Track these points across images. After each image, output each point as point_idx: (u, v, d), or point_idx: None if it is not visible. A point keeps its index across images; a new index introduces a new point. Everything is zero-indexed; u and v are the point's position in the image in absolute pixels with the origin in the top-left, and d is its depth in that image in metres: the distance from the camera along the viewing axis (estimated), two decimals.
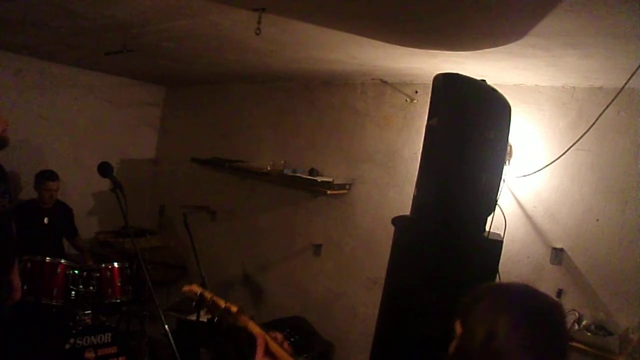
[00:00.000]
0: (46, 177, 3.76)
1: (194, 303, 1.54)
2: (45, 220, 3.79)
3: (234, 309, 1.42)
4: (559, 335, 0.97)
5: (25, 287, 2.98)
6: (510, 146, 2.70)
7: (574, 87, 2.68)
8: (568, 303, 2.61)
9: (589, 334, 2.40)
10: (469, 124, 2.01)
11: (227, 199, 4.58)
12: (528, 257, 2.81)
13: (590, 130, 2.42)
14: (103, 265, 3.25)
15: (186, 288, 1.55)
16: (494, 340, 0.93)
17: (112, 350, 3.05)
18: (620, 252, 2.49)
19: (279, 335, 1.34)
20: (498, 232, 2.52)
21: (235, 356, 3.37)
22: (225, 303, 1.44)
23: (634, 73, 2.01)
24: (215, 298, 1.47)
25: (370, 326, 2.43)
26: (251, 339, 1.34)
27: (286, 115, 4.17)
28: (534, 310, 0.97)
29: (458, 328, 1.04)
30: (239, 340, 3.58)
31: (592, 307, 2.54)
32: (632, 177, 2.48)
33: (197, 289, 1.52)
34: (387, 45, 2.38)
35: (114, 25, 2.62)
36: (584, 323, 2.48)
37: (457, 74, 2.04)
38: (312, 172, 3.68)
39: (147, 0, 2.14)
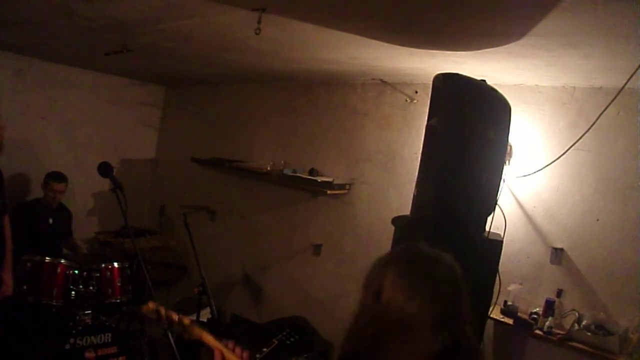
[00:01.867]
0: (52, 177, 3.77)
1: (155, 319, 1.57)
2: (50, 220, 3.80)
3: (186, 321, 1.44)
4: (443, 282, 0.97)
5: (25, 287, 2.98)
6: (510, 146, 2.70)
7: (574, 87, 2.68)
8: (568, 303, 2.61)
9: (589, 334, 2.40)
10: (469, 124, 2.01)
11: (227, 199, 4.58)
12: (528, 257, 2.81)
13: (590, 130, 2.42)
14: (103, 265, 3.24)
15: (144, 308, 1.57)
16: (383, 293, 0.96)
17: (112, 350, 3.05)
18: (620, 252, 2.50)
19: (231, 344, 1.37)
20: (498, 232, 2.52)
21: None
22: (178, 316, 1.46)
23: (634, 73, 2.01)
24: (169, 313, 1.49)
25: None
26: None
27: (286, 115, 4.17)
28: (416, 262, 1.01)
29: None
30: (239, 340, 3.58)
31: (592, 307, 2.54)
32: (632, 177, 2.48)
33: (152, 306, 1.54)
34: (387, 45, 2.38)
35: (114, 25, 2.62)
36: (584, 323, 2.48)
37: (457, 74, 2.04)
38: (312, 172, 3.68)
39: (147, 0, 2.14)
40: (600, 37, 1.80)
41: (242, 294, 4.34)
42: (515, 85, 2.84)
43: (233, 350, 1.34)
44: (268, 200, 4.23)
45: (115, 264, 3.28)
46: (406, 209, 2.32)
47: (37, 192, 3.93)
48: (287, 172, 3.73)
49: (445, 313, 0.94)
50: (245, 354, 1.35)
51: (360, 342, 0.99)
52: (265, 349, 2.75)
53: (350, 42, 2.43)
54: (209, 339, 1.37)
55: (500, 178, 2.17)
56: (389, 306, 0.95)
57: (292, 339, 2.96)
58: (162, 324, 1.54)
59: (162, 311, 1.51)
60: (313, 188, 3.56)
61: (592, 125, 2.39)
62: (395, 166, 3.41)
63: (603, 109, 2.28)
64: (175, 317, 1.46)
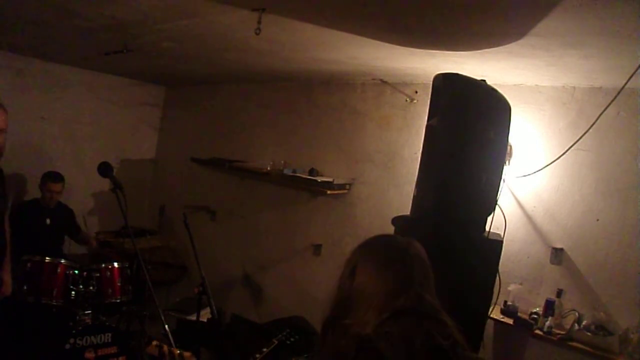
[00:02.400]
0: (49, 178, 3.77)
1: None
2: (48, 220, 3.80)
3: (187, 354, 1.62)
4: (397, 262, 1.22)
5: (25, 287, 2.98)
6: (510, 146, 2.70)
7: (574, 87, 2.68)
8: (568, 303, 2.61)
9: (589, 334, 2.40)
10: (469, 124, 2.01)
11: (227, 199, 4.58)
12: (528, 257, 2.81)
13: (590, 130, 2.42)
14: (103, 265, 3.24)
15: (148, 348, 1.77)
16: (355, 275, 1.24)
17: (112, 350, 3.05)
18: (620, 252, 2.50)
19: None
20: (498, 232, 2.52)
21: (235, 356, 3.37)
22: (179, 351, 1.66)
23: (634, 73, 2.01)
24: (172, 350, 1.68)
25: None
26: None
27: (286, 115, 4.17)
28: (384, 247, 1.28)
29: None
30: (239, 340, 3.58)
31: (592, 307, 2.54)
32: (632, 177, 2.48)
33: (155, 343, 1.73)
34: (387, 45, 2.38)
35: (114, 25, 2.62)
36: (584, 323, 2.48)
37: (457, 74, 2.04)
38: (312, 172, 3.68)
39: (147, 0, 2.14)
40: (600, 37, 1.80)
41: (242, 294, 4.34)
42: (515, 85, 2.84)
43: None
44: (268, 200, 4.23)
45: (115, 264, 3.28)
46: (406, 209, 2.31)
47: (36, 192, 3.93)
48: (287, 172, 3.73)
49: (397, 287, 1.17)
50: None
51: (338, 309, 1.24)
52: (265, 349, 2.75)
53: (350, 42, 2.43)
54: None
55: (500, 178, 2.17)
56: (359, 281, 1.22)
57: (292, 339, 2.96)
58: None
59: (164, 347, 1.64)
60: (313, 188, 3.56)
61: (592, 125, 2.39)
62: (395, 166, 3.41)
63: (603, 109, 2.28)
64: (176, 351, 1.62)
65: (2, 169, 2.90)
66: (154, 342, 1.64)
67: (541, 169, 2.71)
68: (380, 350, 1.07)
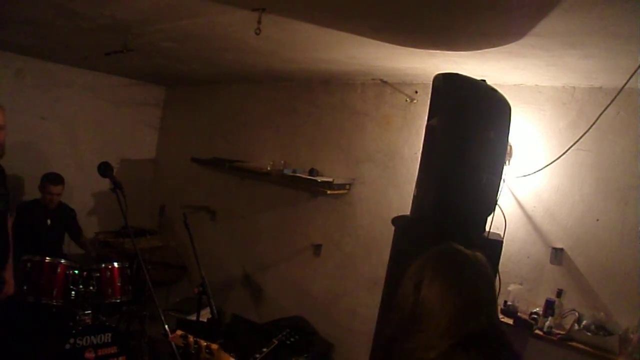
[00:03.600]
0: (49, 180, 3.77)
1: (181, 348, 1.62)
2: (48, 221, 3.80)
3: (214, 346, 1.51)
4: (481, 284, 1.13)
5: (25, 287, 2.98)
6: (510, 146, 2.70)
7: (574, 87, 2.68)
8: (568, 303, 2.61)
9: (589, 334, 2.40)
10: (469, 124, 2.01)
11: (227, 199, 4.58)
12: (528, 257, 2.81)
13: (590, 130, 2.42)
14: (103, 265, 3.24)
15: (171, 337, 1.67)
16: (420, 290, 1.12)
17: (112, 350, 3.05)
18: (620, 252, 2.49)
19: None
20: (498, 232, 2.52)
21: (235, 356, 3.36)
22: (206, 342, 1.54)
23: (634, 73, 2.01)
24: (197, 339, 1.56)
25: (370, 326, 2.43)
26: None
27: (286, 115, 4.17)
28: (454, 263, 1.17)
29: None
30: (239, 340, 3.58)
31: (592, 307, 2.54)
32: (632, 177, 2.48)
33: (179, 332, 1.61)
34: (387, 45, 2.38)
35: (114, 25, 2.62)
36: (584, 323, 2.48)
37: (457, 74, 2.04)
38: (312, 172, 3.68)
39: (147, 0, 2.14)
40: (600, 37, 1.80)
41: (242, 294, 4.34)
42: (515, 85, 2.84)
43: None
44: (268, 200, 4.23)
45: (115, 264, 3.28)
46: (406, 209, 2.31)
47: (36, 192, 3.93)
48: (287, 172, 3.73)
49: (468, 309, 1.07)
50: None
51: (398, 330, 1.15)
52: (265, 349, 2.75)
53: (350, 42, 2.43)
54: None
55: (500, 178, 2.16)
56: (424, 299, 1.11)
57: (292, 339, 2.96)
58: (190, 350, 1.58)
59: (190, 338, 1.56)
60: (313, 188, 3.56)
61: (592, 125, 2.39)
62: (395, 166, 3.41)
63: (603, 109, 2.28)
64: (203, 342, 1.52)
65: (3, 168, 2.90)
66: (179, 332, 1.59)
67: (541, 169, 2.71)
68: None
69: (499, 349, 1.07)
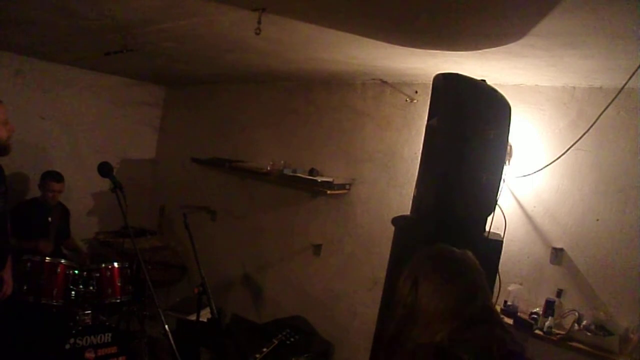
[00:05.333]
0: (51, 177, 3.77)
1: None
2: (49, 219, 3.80)
3: None
4: (471, 276, 1.26)
5: (25, 287, 2.98)
6: (510, 146, 2.70)
7: (574, 87, 2.68)
8: (568, 303, 2.61)
9: (589, 334, 2.40)
10: (469, 124, 2.01)
11: (227, 199, 4.59)
12: (528, 257, 2.81)
13: (590, 130, 2.42)
14: (103, 265, 3.24)
15: None
16: (417, 289, 1.26)
17: (112, 350, 3.05)
18: (620, 252, 2.49)
19: None
20: (498, 232, 2.52)
21: (235, 356, 3.37)
22: None
23: (634, 73, 2.01)
24: None
25: (370, 326, 2.43)
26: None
27: (286, 115, 4.17)
28: (445, 260, 1.30)
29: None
30: (239, 340, 3.58)
31: (592, 307, 2.54)
32: (632, 177, 2.48)
33: None
34: (387, 45, 2.38)
35: (114, 25, 2.62)
36: (584, 323, 2.48)
37: (457, 74, 2.04)
38: (312, 172, 3.68)
39: (147, 0, 2.14)
40: (600, 37, 1.80)
41: (242, 294, 4.34)
42: (515, 85, 2.84)
43: None
44: (268, 200, 4.23)
45: (115, 264, 3.29)
46: (406, 209, 2.32)
47: (36, 191, 3.93)
48: (287, 172, 3.73)
49: (463, 297, 1.22)
50: None
51: (402, 325, 1.27)
52: (265, 349, 2.75)
53: (350, 42, 2.43)
54: None
55: (500, 178, 2.16)
56: (422, 295, 1.24)
57: (292, 339, 2.96)
58: None
59: None
60: (313, 188, 3.56)
61: (592, 125, 2.39)
62: (395, 166, 3.41)
63: (603, 109, 2.28)
64: None
65: (2, 167, 2.89)
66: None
67: (541, 169, 2.71)
68: (463, 358, 1.12)
69: (495, 326, 1.21)
